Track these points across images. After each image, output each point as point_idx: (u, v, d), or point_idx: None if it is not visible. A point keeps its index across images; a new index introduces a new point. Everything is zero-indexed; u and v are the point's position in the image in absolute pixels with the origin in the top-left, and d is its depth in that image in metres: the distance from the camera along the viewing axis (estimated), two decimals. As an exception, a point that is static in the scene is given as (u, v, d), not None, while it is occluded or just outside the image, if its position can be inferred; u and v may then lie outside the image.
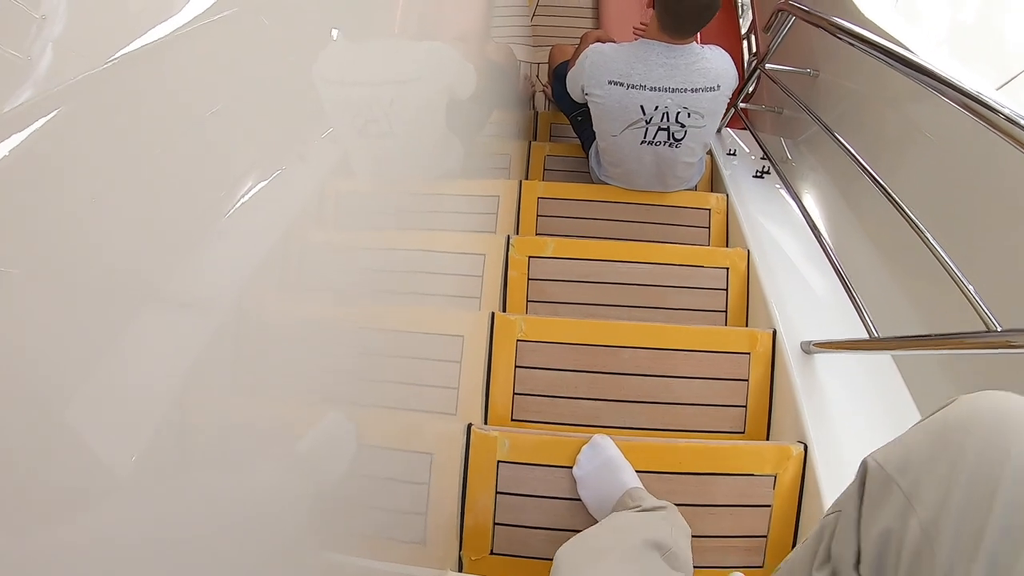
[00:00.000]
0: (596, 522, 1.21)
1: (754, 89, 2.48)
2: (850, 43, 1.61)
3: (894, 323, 1.61)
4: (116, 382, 0.41)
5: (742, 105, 2.47)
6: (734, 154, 2.47)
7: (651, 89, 1.87)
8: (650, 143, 1.99)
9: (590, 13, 3.37)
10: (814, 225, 1.93)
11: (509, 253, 1.91)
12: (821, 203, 2.16)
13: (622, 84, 1.89)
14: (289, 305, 0.67)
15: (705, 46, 1.87)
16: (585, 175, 2.39)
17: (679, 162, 2.04)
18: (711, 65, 1.86)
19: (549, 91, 2.94)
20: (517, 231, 2.15)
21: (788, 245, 1.97)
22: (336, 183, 0.79)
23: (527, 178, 2.44)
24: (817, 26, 1.83)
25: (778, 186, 2.27)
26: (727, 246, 2.14)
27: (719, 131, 2.67)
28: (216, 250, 0.51)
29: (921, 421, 0.66)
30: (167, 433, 0.45)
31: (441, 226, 1.71)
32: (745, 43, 3.21)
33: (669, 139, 1.97)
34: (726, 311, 1.89)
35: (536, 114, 2.80)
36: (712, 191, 2.41)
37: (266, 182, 0.58)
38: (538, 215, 2.17)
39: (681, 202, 2.18)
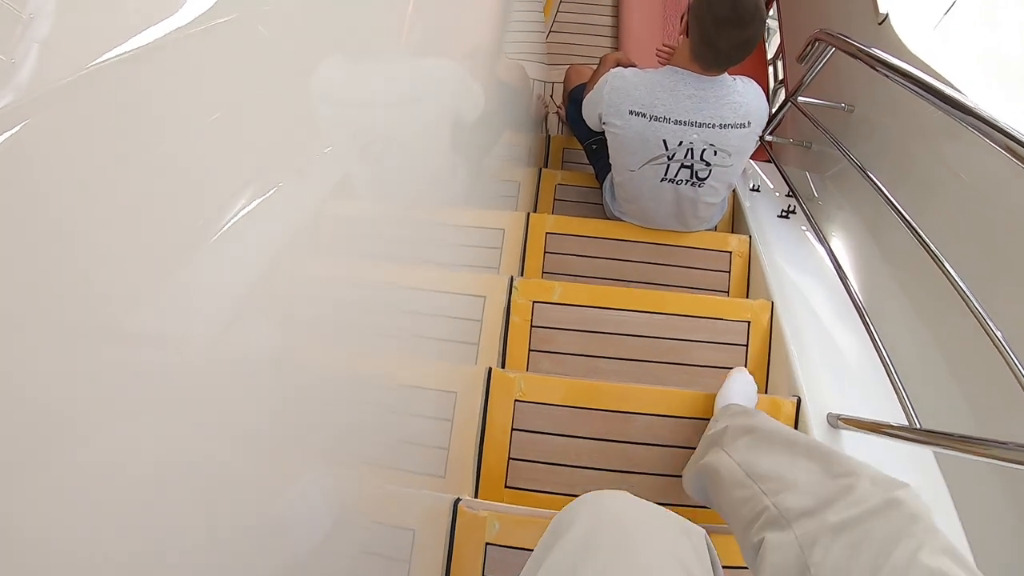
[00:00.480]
0: None
1: (780, 120, 2.32)
2: (894, 80, 1.46)
3: (933, 395, 1.47)
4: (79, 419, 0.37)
5: (768, 137, 2.32)
6: (758, 190, 2.31)
7: (676, 123, 1.72)
8: (671, 181, 1.84)
9: (609, 32, 3.23)
10: (844, 276, 1.78)
11: (512, 296, 1.77)
12: (851, 249, 2.00)
13: (644, 115, 1.74)
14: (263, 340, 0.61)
15: (737, 78, 1.73)
16: (598, 207, 2.24)
17: (701, 202, 1.89)
18: (743, 99, 1.71)
19: (563, 113, 2.79)
20: (522, 268, 2.00)
21: (815, 297, 1.81)
22: (316, 211, 0.71)
23: (536, 208, 2.30)
24: (857, 58, 1.68)
25: (804, 228, 2.12)
26: (748, 294, 1.99)
27: (742, 165, 2.52)
28: (197, 282, 0.48)
29: None
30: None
31: (438, 261, 1.52)
32: (771, 69, 3.05)
33: (692, 177, 1.82)
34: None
35: (548, 138, 2.66)
36: (733, 230, 2.26)
37: (245, 210, 0.54)
38: (545, 251, 2.02)
39: (700, 243, 2.03)
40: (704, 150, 1.75)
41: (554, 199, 2.31)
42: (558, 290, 1.76)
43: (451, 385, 1.41)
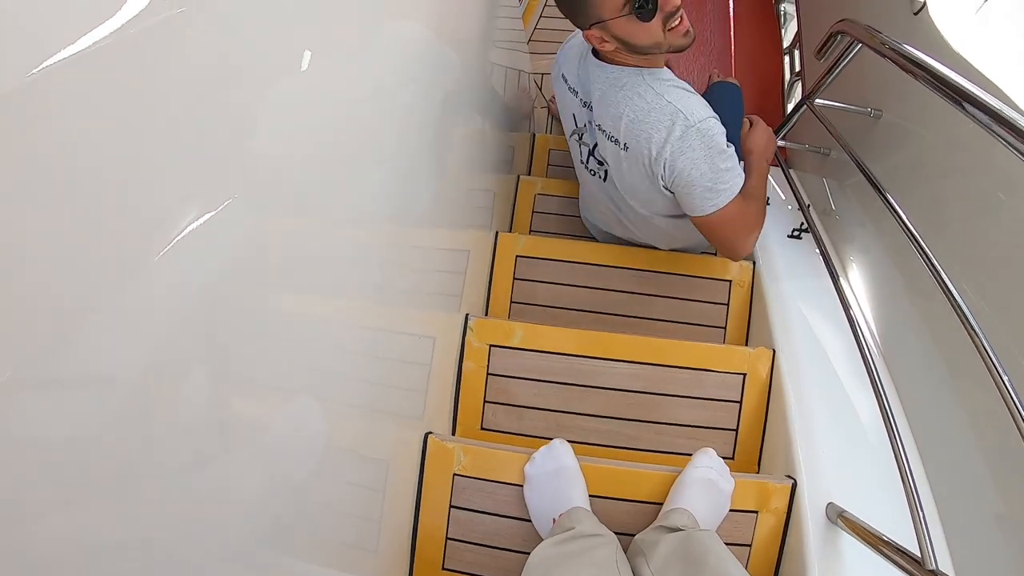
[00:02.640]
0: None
1: (795, 122, 2.04)
2: (931, 88, 1.19)
3: (957, 478, 1.22)
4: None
5: (780, 143, 2.04)
6: (768, 203, 2.05)
7: (573, 92, 1.52)
8: (586, 167, 1.61)
9: None
10: (854, 322, 1.52)
11: (466, 338, 1.54)
12: (870, 280, 1.73)
13: (565, 80, 1.55)
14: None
15: (655, 82, 1.34)
16: (579, 220, 2.00)
17: (627, 206, 1.59)
18: (623, 110, 1.34)
19: (554, 107, 2.54)
20: (488, 297, 1.77)
21: (828, 344, 1.56)
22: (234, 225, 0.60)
23: (512, 224, 2.05)
24: (887, 58, 1.40)
25: (818, 252, 1.85)
26: (748, 334, 1.74)
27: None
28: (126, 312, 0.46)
29: None
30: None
31: (383, 292, 1.25)
32: (787, 59, 2.73)
33: (597, 166, 1.57)
34: (736, 433, 1.50)
35: (533, 137, 2.40)
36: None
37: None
38: (515, 278, 1.78)
39: (695, 270, 1.78)
40: (595, 146, 1.52)
41: (532, 212, 2.06)
42: (520, 333, 1.53)
43: (380, 452, 1.18)
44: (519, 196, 2.05)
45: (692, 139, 1.29)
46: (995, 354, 0.96)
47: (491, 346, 1.54)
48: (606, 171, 1.52)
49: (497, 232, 1.80)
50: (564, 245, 1.81)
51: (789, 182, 2.03)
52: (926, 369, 1.39)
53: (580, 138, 1.55)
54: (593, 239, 1.93)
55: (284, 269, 0.72)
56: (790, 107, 2.64)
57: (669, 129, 1.29)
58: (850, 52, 1.63)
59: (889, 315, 1.58)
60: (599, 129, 1.43)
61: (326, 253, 0.85)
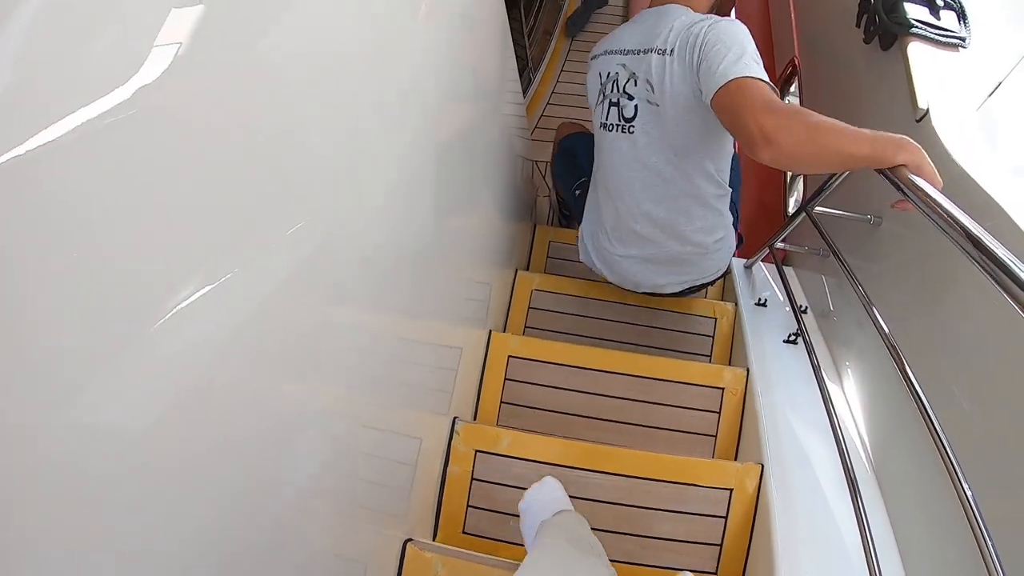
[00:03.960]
0: None
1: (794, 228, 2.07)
2: (925, 212, 1.19)
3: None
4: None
5: (779, 245, 2.09)
6: (764, 304, 2.08)
7: (606, 53, 1.61)
8: (604, 126, 1.66)
9: None
10: (842, 441, 1.52)
11: (453, 442, 1.57)
12: (866, 389, 1.74)
13: (594, 57, 1.69)
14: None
15: (695, 11, 1.52)
16: (576, 319, 2.04)
17: (650, 169, 1.61)
18: (673, 23, 1.48)
19: (554, 195, 2.60)
20: (478, 398, 1.80)
21: (818, 461, 1.56)
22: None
23: (507, 318, 2.09)
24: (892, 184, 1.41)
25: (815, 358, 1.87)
26: (738, 444, 1.75)
27: (749, 268, 2.29)
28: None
29: None
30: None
31: (372, 386, 1.17)
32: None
33: (620, 119, 1.61)
34: (721, 548, 1.50)
35: (534, 228, 2.46)
36: (731, 357, 2.03)
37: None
38: (506, 379, 1.81)
39: (687, 376, 1.81)
40: (627, 80, 1.56)
41: (528, 308, 2.10)
42: (507, 439, 1.56)
43: (357, 553, 1.19)
44: (516, 292, 2.09)
45: (730, 25, 1.40)
46: (968, 486, 0.97)
47: (477, 451, 1.56)
48: (635, 110, 1.57)
49: (491, 331, 1.84)
50: (559, 348, 1.84)
51: (785, 285, 2.06)
52: (918, 487, 1.40)
53: (602, 96, 1.63)
54: (588, 339, 1.97)
55: (277, 356, 0.75)
56: (791, 204, 2.70)
57: (712, 22, 1.41)
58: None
59: (881, 427, 1.59)
60: (639, 53, 1.52)
61: (317, 345, 0.87)
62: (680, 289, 1.87)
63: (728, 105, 1.31)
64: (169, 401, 0.55)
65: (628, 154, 1.62)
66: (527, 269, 2.37)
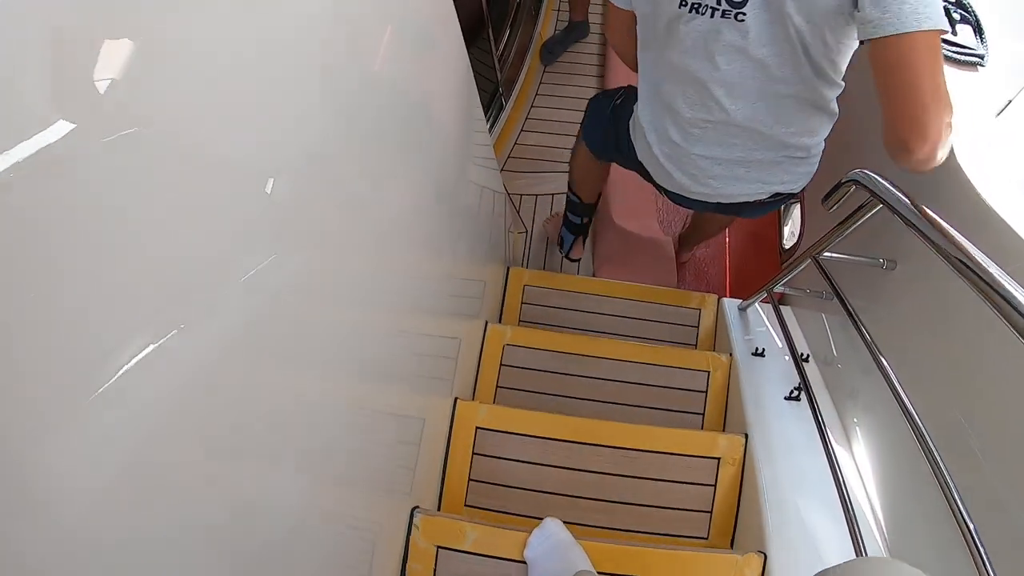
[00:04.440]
0: None
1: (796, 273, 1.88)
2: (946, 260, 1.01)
3: None
4: None
5: (777, 289, 1.90)
6: (762, 354, 1.90)
7: None
8: (691, 6, 1.26)
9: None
10: (860, 513, 1.33)
11: (411, 536, 1.37)
12: (875, 450, 1.55)
13: None
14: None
15: None
16: (554, 377, 1.85)
17: (757, 63, 1.28)
18: None
19: (553, 233, 2.39)
20: (443, 477, 1.60)
21: (827, 547, 1.38)
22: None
23: (476, 380, 1.89)
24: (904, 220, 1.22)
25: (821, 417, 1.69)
26: (736, 524, 1.55)
27: (744, 310, 2.10)
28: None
29: None
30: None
31: (322, 471, 1.00)
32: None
33: (722, 2, 1.23)
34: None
35: (507, 272, 2.26)
36: (725, 421, 1.84)
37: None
38: (474, 454, 1.62)
39: (680, 446, 1.61)
40: None
41: (500, 365, 1.91)
42: (472, 536, 1.36)
43: None
44: (486, 347, 1.90)
45: None
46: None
47: (439, 548, 1.36)
48: (742, 12, 1.22)
49: (456, 399, 1.64)
50: (533, 417, 1.64)
51: (784, 330, 1.87)
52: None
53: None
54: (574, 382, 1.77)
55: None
56: (786, 234, 2.51)
57: None
58: (866, 211, 1.46)
59: (896, 501, 1.40)
60: None
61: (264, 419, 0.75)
62: (764, 198, 1.58)
63: (894, 65, 1.03)
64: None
65: (731, 43, 1.28)
66: (500, 318, 2.17)
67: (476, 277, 1.91)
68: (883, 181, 1.25)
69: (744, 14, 1.22)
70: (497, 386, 1.88)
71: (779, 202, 1.60)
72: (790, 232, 2.58)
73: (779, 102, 1.35)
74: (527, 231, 2.48)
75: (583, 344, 1.90)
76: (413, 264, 1.34)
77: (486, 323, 1.94)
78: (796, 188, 1.55)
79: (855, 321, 1.42)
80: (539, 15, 3.13)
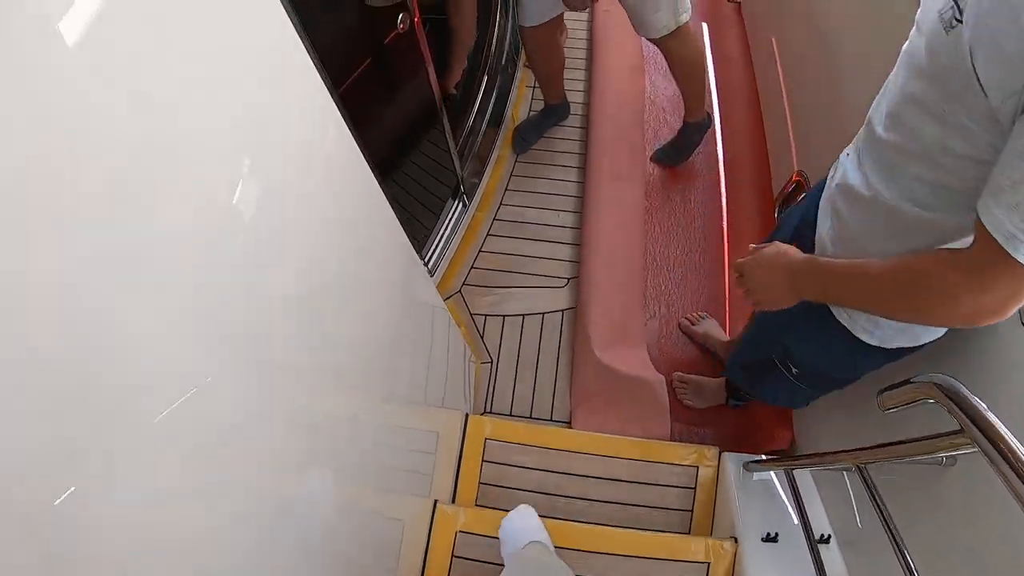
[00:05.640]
0: None
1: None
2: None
3: None
4: None
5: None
6: (775, 539, 1.56)
7: None
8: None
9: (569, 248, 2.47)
10: None
11: None
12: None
13: None
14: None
15: None
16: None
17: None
18: None
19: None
20: None
21: None
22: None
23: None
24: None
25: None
26: None
27: (750, 469, 1.76)
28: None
29: None
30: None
31: None
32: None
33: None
34: None
35: (466, 420, 1.90)
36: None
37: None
38: None
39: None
40: None
41: (452, 557, 1.55)
42: None
43: None
44: (434, 536, 1.54)
45: None
46: None
47: None
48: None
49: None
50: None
51: (798, 502, 1.53)
52: None
53: None
54: None
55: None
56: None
57: None
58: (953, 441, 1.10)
59: None
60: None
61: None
62: None
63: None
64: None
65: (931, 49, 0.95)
66: (456, 479, 1.80)
67: (421, 447, 1.56)
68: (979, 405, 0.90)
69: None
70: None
71: None
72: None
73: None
74: (492, 360, 2.13)
75: (558, 534, 1.55)
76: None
77: (435, 504, 1.58)
78: None
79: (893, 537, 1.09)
80: (509, 94, 2.81)
